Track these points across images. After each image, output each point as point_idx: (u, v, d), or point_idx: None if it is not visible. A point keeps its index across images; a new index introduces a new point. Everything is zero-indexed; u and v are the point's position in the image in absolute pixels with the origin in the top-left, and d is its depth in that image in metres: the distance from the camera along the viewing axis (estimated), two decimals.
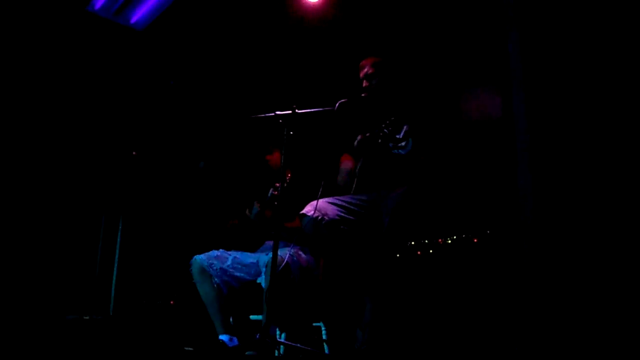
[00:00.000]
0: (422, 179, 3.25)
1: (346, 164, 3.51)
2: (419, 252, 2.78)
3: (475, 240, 2.60)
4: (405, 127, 3.17)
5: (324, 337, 3.56)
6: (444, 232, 2.79)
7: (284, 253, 3.38)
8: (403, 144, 3.19)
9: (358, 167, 3.43)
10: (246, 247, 3.80)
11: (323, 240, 3.23)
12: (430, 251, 2.73)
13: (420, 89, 3.61)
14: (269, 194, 3.64)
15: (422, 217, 3.09)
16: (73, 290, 4.08)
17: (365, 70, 3.47)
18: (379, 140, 3.19)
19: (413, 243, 2.83)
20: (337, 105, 3.28)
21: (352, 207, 3.25)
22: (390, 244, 3.09)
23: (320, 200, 3.21)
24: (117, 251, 3.70)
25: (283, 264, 3.32)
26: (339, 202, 3.27)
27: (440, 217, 3.00)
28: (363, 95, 3.46)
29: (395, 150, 3.24)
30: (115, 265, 3.74)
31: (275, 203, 3.57)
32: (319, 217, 3.14)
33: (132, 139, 4.18)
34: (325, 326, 3.57)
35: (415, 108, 3.41)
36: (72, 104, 4.37)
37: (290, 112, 3.20)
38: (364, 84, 3.47)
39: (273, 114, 3.18)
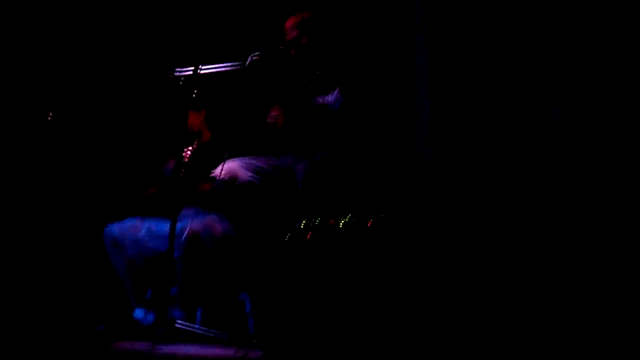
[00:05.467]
0: (342, 144, 3.07)
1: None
2: (308, 236, 2.54)
3: (369, 224, 2.36)
4: (337, 89, 3.06)
5: (247, 310, 3.36)
6: (338, 211, 2.56)
7: (189, 221, 3.16)
8: (332, 99, 3.07)
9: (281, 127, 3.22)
10: (165, 214, 3.57)
11: (236, 204, 3.13)
12: (321, 233, 2.49)
13: (349, 47, 3.34)
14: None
15: (332, 188, 2.92)
16: None
17: (290, 34, 3.22)
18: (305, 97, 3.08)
19: (302, 225, 2.58)
20: (248, 60, 3.00)
21: (264, 171, 3.10)
22: (302, 210, 2.91)
23: (230, 162, 3.02)
24: (34, 225, 3.47)
25: (186, 231, 3.10)
26: (253, 166, 3.10)
27: (341, 193, 2.80)
28: (280, 48, 3.17)
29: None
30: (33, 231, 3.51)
31: (184, 170, 3.34)
32: (230, 180, 3.01)
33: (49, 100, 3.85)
34: (250, 297, 3.37)
35: (346, 67, 3.17)
36: None
37: (191, 71, 2.91)
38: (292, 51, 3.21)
39: (171, 74, 2.88)
